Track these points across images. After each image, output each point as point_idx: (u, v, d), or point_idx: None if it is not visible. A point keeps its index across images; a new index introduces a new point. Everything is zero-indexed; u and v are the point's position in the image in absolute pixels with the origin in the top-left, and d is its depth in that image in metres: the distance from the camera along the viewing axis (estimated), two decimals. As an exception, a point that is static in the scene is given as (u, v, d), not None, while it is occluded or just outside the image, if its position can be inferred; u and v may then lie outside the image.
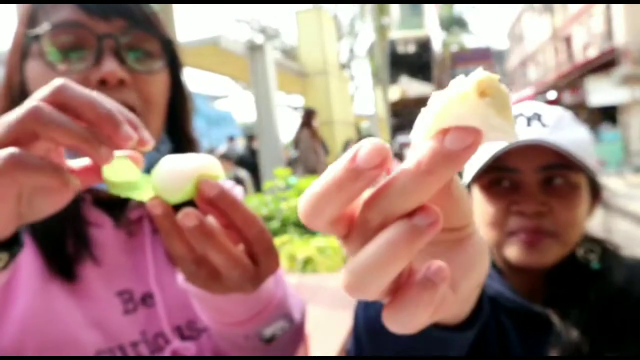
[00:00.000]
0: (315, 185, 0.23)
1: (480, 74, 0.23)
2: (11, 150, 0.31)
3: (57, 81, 0.34)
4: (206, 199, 0.37)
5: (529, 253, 0.64)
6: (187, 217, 0.36)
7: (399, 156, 2.11)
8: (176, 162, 0.37)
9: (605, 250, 0.70)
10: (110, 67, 0.53)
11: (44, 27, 0.53)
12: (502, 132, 0.22)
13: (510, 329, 0.66)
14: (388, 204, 0.23)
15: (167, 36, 0.59)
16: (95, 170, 0.36)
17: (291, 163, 6.47)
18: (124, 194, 0.36)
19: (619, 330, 0.63)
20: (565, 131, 0.65)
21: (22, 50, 0.55)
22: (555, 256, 0.65)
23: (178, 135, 0.64)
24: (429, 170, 0.22)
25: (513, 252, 0.65)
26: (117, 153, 0.35)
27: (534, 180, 0.65)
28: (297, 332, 0.61)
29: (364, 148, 0.22)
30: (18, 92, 0.55)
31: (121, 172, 0.36)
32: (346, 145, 6.83)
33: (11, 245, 0.37)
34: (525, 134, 0.64)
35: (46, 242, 0.55)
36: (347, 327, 1.54)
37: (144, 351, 0.58)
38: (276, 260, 0.43)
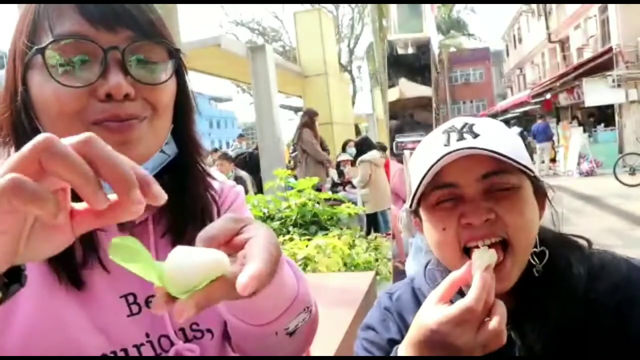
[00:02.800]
0: None
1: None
2: (12, 175, 0.30)
3: (87, 135, 0.33)
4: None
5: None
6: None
7: (398, 157, 2.15)
8: (186, 260, 0.38)
9: (563, 251, 0.68)
10: (116, 80, 0.52)
11: (48, 39, 0.52)
12: None
13: None
14: None
15: (173, 43, 0.58)
16: (96, 214, 0.34)
17: (294, 164, 6.51)
18: (123, 262, 0.36)
19: (582, 344, 0.63)
20: (496, 138, 0.64)
21: (25, 60, 0.54)
22: (515, 273, 0.64)
23: (183, 137, 0.64)
24: None
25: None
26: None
27: (476, 190, 0.64)
28: (313, 320, 0.64)
29: None
30: (21, 102, 0.55)
31: (129, 248, 0.36)
32: (345, 146, 6.87)
33: (9, 281, 0.36)
34: (460, 146, 0.63)
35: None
36: (346, 326, 1.59)
37: (148, 353, 0.58)
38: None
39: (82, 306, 0.55)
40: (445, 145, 0.64)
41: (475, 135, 0.64)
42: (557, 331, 0.63)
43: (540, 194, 0.69)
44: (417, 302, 0.75)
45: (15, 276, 0.36)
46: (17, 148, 0.56)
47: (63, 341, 0.53)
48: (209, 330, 0.63)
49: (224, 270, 0.40)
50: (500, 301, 0.57)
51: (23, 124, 0.55)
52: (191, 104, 0.65)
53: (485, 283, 0.56)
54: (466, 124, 0.67)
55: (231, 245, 0.44)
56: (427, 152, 0.66)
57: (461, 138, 0.64)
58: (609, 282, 0.66)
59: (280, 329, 0.56)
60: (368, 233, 4.40)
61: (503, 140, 0.64)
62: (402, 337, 0.70)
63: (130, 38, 0.54)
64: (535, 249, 0.67)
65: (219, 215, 0.68)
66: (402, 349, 0.61)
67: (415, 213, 0.73)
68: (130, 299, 0.59)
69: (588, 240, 0.73)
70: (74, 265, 0.55)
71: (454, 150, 0.62)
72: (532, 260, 0.67)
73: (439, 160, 0.62)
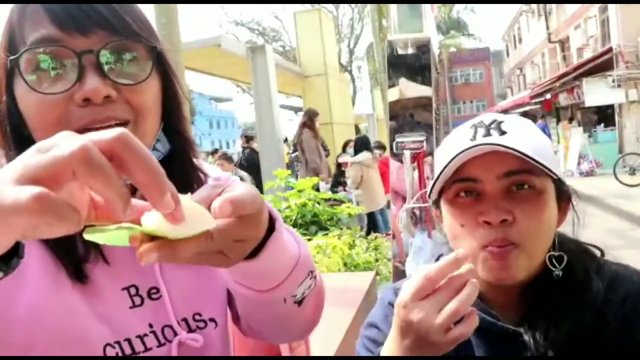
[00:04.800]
0: None
1: None
2: (38, 190, 0.28)
3: (119, 131, 0.32)
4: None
5: (498, 267, 0.62)
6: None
7: (398, 157, 2.15)
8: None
9: (581, 259, 0.67)
10: (92, 84, 0.51)
11: (23, 48, 0.52)
12: None
13: (477, 345, 0.67)
14: None
15: (151, 41, 0.57)
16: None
17: (292, 163, 6.52)
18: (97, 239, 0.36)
19: (592, 352, 0.62)
20: (525, 137, 0.63)
21: (7, 72, 0.54)
22: (524, 269, 0.63)
23: (173, 134, 0.63)
24: None
25: (484, 267, 0.63)
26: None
27: (497, 188, 0.63)
28: (319, 290, 0.64)
29: None
30: (6, 112, 0.55)
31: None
32: (346, 146, 6.87)
33: (10, 255, 0.36)
34: (486, 141, 0.63)
35: (57, 243, 0.55)
36: (346, 326, 1.59)
37: (152, 343, 0.58)
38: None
39: (85, 297, 0.56)
40: (471, 140, 0.64)
41: (502, 133, 0.63)
42: (570, 338, 0.62)
43: (564, 198, 0.68)
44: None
45: (13, 250, 0.35)
46: (8, 157, 0.56)
47: (68, 329, 0.54)
48: (212, 320, 0.63)
49: (207, 223, 0.39)
50: (475, 282, 0.55)
51: (9, 134, 0.56)
52: (179, 100, 0.63)
53: (456, 261, 0.55)
54: (495, 120, 0.66)
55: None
56: (453, 144, 0.66)
57: (487, 134, 0.64)
58: (620, 294, 0.65)
59: (287, 295, 0.56)
60: (368, 233, 4.40)
61: (530, 139, 0.63)
62: None
63: (104, 39, 0.53)
64: (553, 253, 0.66)
65: None
66: (386, 340, 0.61)
67: (436, 204, 0.72)
68: (132, 291, 0.59)
69: (601, 250, 0.71)
70: (77, 260, 0.56)
71: (477, 145, 0.61)
72: (549, 264, 0.65)
73: (461, 152, 0.62)
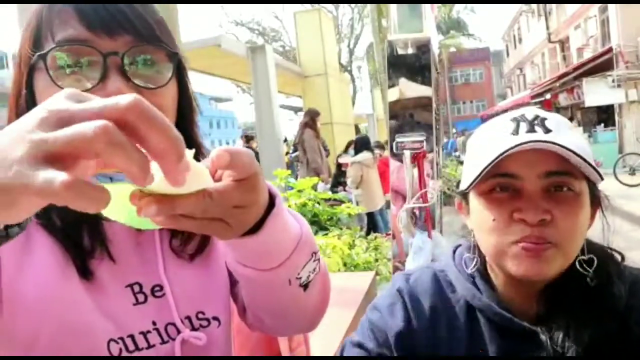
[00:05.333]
0: None
1: None
2: (74, 181, 0.28)
3: (133, 97, 0.31)
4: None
5: (531, 263, 0.61)
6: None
7: (398, 157, 2.14)
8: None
9: (605, 263, 0.66)
10: (116, 85, 0.53)
11: (50, 46, 0.53)
12: None
13: (491, 341, 0.66)
14: None
15: (172, 47, 0.59)
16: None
17: (292, 164, 6.52)
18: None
19: (617, 355, 0.61)
20: (568, 136, 0.61)
21: (29, 66, 0.56)
22: (557, 268, 0.62)
23: (185, 140, 0.66)
24: None
25: (515, 262, 0.62)
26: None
27: (537, 187, 0.61)
28: (323, 275, 0.64)
29: None
30: (24, 105, 0.56)
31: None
32: (348, 147, 6.87)
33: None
34: (530, 137, 0.61)
35: (64, 236, 0.56)
36: (346, 326, 1.59)
37: (155, 340, 0.59)
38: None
39: (90, 292, 0.56)
40: (513, 134, 0.62)
41: (547, 130, 0.62)
42: (591, 342, 0.61)
43: (595, 202, 0.67)
44: (438, 285, 0.72)
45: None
46: None
47: (73, 321, 0.54)
48: (215, 318, 0.63)
49: (205, 182, 0.39)
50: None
51: None
52: (192, 106, 0.65)
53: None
54: (538, 116, 0.64)
55: (216, 179, 0.44)
56: (492, 138, 0.64)
57: (532, 130, 0.62)
58: (639, 299, 0.64)
59: (292, 277, 0.56)
60: (368, 233, 4.40)
61: (575, 139, 0.61)
62: (410, 324, 0.69)
63: (130, 43, 0.55)
64: (583, 257, 0.65)
65: None
66: None
67: (464, 196, 0.71)
68: (136, 288, 0.60)
69: (622, 255, 0.70)
70: (83, 256, 0.56)
71: (528, 142, 0.59)
72: (579, 268, 0.64)
73: (510, 148, 0.59)
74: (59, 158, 0.29)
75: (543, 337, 0.63)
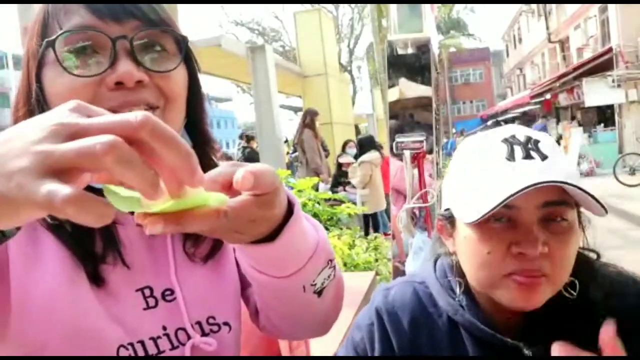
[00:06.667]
0: None
1: None
2: (72, 191, 0.27)
3: (143, 114, 0.31)
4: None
5: (524, 296, 0.59)
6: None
7: (399, 157, 2.14)
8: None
9: (581, 271, 0.65)
10: (125, 68, 0.52)
11: (57, 34, 0.53)
12: None
13: (474, 355, 0.66)
14: None
15: (180, 33, 0.59)
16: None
17: (292, 164, 6.51)
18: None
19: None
20: (560, 162, 0.60)
21: (38, 59, 0.55)
22: (546, 297, 0.61)
23: (196, 131, 0.64)
24: None
25: (507, 294, 0.60)
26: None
27: (535, 218, 0.59)
28: (338, 282, 0.64)
29: None
30: (35, 99, 0.55)
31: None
32: (345, 146, 6.88)
33: None
34: (529, 168, 0.58)
35: (75, 243, 0.55)
36: (347, 325, 1.59)
37: (165, 346, 0.58)
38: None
39: (100, 297, 0.56)
40: (509, 160, 0.60)
41: (544, 157, 0.59)
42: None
43: (581, 226, 0.66)
44: (418, 300, 0.71)
45: None
46: None
47: (82, 327, 0.54)
48: (226, 324, 0.62)
49: (219, 200, 0.38)
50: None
51: None
52: (202, 92, 0.64)
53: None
54: (530, 138, 0.61)
55: (232, 190, 0.43)
56: (485, 163, 0.62)
57: (528, 156, 0.59)
58: (618, 305, 0.63)
59: (307, 283, 0.55)
60: (367, 233, 4.40)
61: (567, 165, 0.60)
62: (389, 342, 0.68)
63: (138, 27, 0.55)
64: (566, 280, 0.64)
65: None
66: None
67: (448, 219, 0.68)
68: (147, 292, 0.59)
69: (597, 253, 0.69)
70: (95, 263, 0.56)
71: (538, 184, 0.56)
72: (563, 292, 0.63)
73: (522, 189, 0.56)
74: (64, 170, 0.29)
75: (526, 352, 0.63)
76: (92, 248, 0.56)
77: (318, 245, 0.55)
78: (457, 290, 0.68)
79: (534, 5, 21.86)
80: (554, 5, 18.77)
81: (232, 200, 0.40)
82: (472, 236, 0.62)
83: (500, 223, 0.60)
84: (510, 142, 0.61)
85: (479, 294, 0.68)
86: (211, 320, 0.61)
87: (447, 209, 0.68)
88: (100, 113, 0.32)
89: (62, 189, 0.27)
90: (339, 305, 0.67)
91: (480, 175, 0.62)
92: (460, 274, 0.69)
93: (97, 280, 0.55)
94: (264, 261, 0.52)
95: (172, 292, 0.60)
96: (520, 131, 0.63)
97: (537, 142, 0.61)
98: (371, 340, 0.71)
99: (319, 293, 0.58)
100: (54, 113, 0.31)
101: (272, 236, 0.48)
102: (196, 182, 0.33)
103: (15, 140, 0.30)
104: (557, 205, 0.60)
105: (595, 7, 14.74)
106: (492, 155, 0.62)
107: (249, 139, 7.19)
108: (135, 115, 0.30)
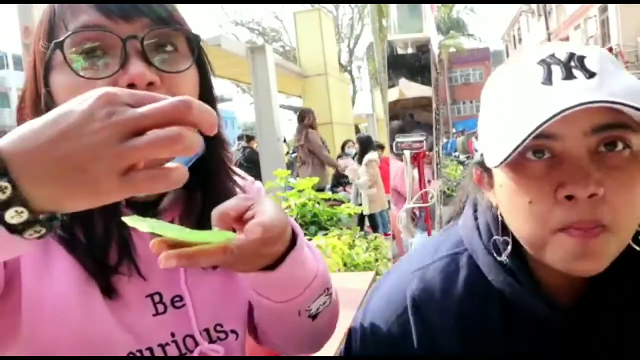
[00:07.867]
0: None
1: None
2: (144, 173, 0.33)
3: (182, 100, 0.34)
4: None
5: (580, 256, 0.47)
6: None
7: (399, 156, 2.14)
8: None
9: None
10: (137, 69, 0.51)
11: (64, 35, 0.51)
12: None
13: (531, 340, 0.55)
14: None
15: (192, 32, 0.57)
16: None
17: (292, 164, 6.52)
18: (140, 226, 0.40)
19: None
20: (615, 78, 0.47)
21: (46, 62, 0.53)
22: (611, 258, 0.48)
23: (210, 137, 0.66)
24: None
25: (554, 253, 0.48)
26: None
27: (583, 148, 0.46)
28: (333, 307, 0.64)
29: None
30: (44, 104, 0.54)
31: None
32: (344, 146, 6.89)
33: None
34: (570, 88, 0.46)
35: (86, 256, 0.54)
36: (347, 326, 1.58)
37: (173, 352, 0.58)
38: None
39: (110, 304, 0.55)
40: (545, 84, 0.47)
41: (591, 75, 0.46)
42: (630, 333, 0.52)
43: None
44: (464, 280, 0.57)
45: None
46: None
47: (92, 335, 0.54)
48: (233, 331, 0.63)
49: (227, 237, 0.43)
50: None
51: None
52: (214, 94, 0.62)
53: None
54: (573, 54, 0.48)
55: (242, 221, 0.48)
56: (519, 89, 0.49)
57: (569, 75, 0.47)
58: None
59: (302, 309, 0.57)
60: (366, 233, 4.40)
61: (624, 82, 0.46)
62: (430, 339, 0.55)
63: (148, 26, 0.53)
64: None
65: None
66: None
67: (485, 167, 0.54)
68: (156, 298, 0.58)
69: None
70: (107, 274, 0.55)
71: (576, 105, 0.43)
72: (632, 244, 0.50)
73: (554, 116, 0.43)
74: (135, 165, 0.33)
75: (580, 329, 0.53)
76: (105, 260, 0.55)
77: (317, 275, 0.57)
78: (502, 250, 0.54)
79: (534, 5, 21.88)
80: (554, 5, 18.78)
81: (239, 238, 0.45)
82: (508, 184, 0.50)
83: (541, 161, 0.48)
84: (548, 62, 0.48)
85: (532, 258, 0.54)
86: (219, 328, 0.61)
87: (482, 154, 0.55)
88: (139, 96, 0.35)
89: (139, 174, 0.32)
90: (333, 325, 0.68)
91: (509, 107, 0.49)
92: (507, 232, 0.54)
93: (109, 292, 0.55)
94: (262, 285, 0.55)
95: (182, 298, 0.60)
96: (562, 48, 0.50)
97: (582, 58, 0.48)
98: (403, 335, 0.58)
99: (313, 317, 0.59)
100: (100, 103, 0.33)
101: (273, 265, 0.51)
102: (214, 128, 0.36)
103: (74, 140, 0.32)
104: (611, 129, 0.46)
105: (595, 7, 14.76)
106: (525, 81, 0.49)
107: (248, 138, 7.20)
108: (179, 101, 0.33)
